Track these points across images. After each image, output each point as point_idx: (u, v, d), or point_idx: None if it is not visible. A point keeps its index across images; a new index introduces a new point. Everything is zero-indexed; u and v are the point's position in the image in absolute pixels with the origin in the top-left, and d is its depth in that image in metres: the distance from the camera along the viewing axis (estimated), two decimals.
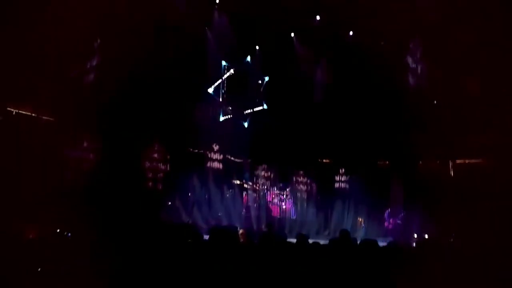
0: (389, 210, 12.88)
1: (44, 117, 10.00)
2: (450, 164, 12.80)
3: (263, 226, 11.81)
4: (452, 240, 7.09)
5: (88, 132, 10.66)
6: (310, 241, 5.07)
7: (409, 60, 13.14)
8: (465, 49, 10.82)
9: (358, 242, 4.93)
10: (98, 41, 10.50)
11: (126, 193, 9.99)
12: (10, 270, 3.55)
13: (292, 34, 14.03)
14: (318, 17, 13.41)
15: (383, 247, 4.74)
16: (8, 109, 9.41)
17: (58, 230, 5.80)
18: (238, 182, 13.29)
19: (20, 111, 9.67)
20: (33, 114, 9.84)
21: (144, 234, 4.07)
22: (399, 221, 12.56)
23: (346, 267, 3.94)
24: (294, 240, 5.05)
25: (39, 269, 3.76)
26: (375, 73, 12.64)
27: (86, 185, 9.85)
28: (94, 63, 10.48)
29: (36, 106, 9.73)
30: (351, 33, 13.76)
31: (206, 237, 3.95)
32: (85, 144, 10.62)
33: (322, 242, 5.03)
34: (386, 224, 12.81)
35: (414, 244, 5.46)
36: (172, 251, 3.48)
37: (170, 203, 11.67)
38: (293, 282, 3.47)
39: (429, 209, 11.16)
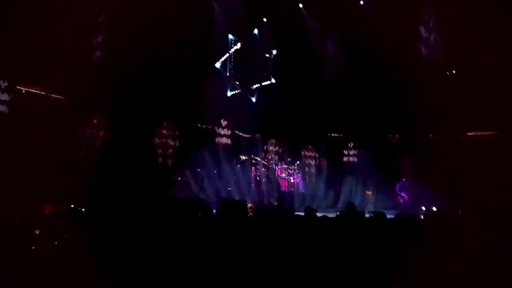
0: (400, 183, 12.81)
1: (53, 95, 10.07)
2: (462, 137, 12.65)
3: (271, 200, 11.95)
4: (460, 212, 7.11)
5: (98, 110, 10.74)
6: (319, 214, 5.13)
7: (421, 31, 12.77)
8: (480, 16, 10.49)
9: (367, 215, 4.98)
10: (106, 19, 10.41)
11: (137, 169, 10.14)
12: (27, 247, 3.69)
13: (301, 5, 13.68)
14: None
15: (391, 219, 4.79)
16: (18, 87, 9.49)
17: (72, 206, 5.96)
18: (246, 157, 13.36)
19: (30, 90, 9.76)
20: (43, 92, 9.92)
21: (155, 208, 4.16)
22: (408, 195, 12.54)
23: (355, 239, 4.00)
24: (302, 214, 5.12)
25: (56, 243, 3.90)
26: (385, 45, 12.33)
27: (97, 162, 10.02)
28: (103, 41, 10.43)
29: (46, 85, 9.80)
30: (361, 2, 13.38)
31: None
32: (95, 122, 10.72)
33: (330, 215, 5.09)
34: (398, 198, 12.78)
35: (422, 217, 5.50)
36: (183, 225, 3.55)
37: (180, 178, 11.84)
38: (302, 254, 3.54)
39: (438, 181, 11.14)
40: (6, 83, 9.12)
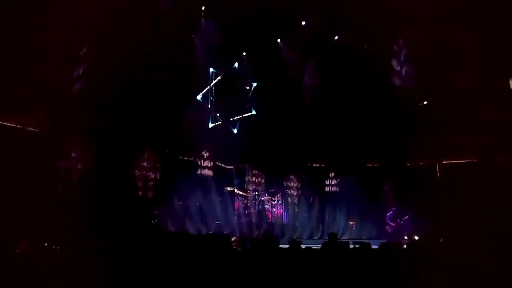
0: (391, 212, 12.69)
1: (30, 129, 9.87)
2: (437, 164, 12.99)
3: (259, 232, 11.78)
4: (441, 240, 7.18)
5: (78, 142, 10.53)
6: (303, 246, 5.08)
7: (396, 62, 13.34)
8: (451, 49, 11.04)
9: (351, 246, 4.97)
10: (87, 50, 10.44)
11: (118, 201, 9.89)
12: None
13: (279, 40, 14.13)
14: (303, 23, 13.59)
15: (375, 249, 4.79)
16: None
17: (46, 244, 5.70)
18: (229, 188, 13.25)
19: (4, 123, 9.54)
20: (18, 126, 9.71)
21: (136, 241, 4.05)
22: (397, 224, 12.44)
23: (340, 270, 3.97)
24: (286, 246, 5.06)
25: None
26: (363, 76, 12.82)
27: (77, 195, 9.73)
28: (83, 72, 10.40)
29: (22, 118, 9.61)
30: (336, 38, 13.95)
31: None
32: (75, 154, 10.48)
33: (314, 246, 5.05)
34: (387, 227, 12.63)
35: (405, 246, 5.52)
36: (168, 259, 3.46)
37: (160, 211, 11.59)
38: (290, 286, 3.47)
39: (419, 209, 11.28)
40: None
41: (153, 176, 11.93)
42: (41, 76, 9.20)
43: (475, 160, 12.10)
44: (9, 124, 9.65)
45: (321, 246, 4.95)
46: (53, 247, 5.46)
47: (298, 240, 5.50)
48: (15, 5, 8.34)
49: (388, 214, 12.61)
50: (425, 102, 12.91)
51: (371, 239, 10.89)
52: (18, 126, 9.77)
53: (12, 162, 8.40)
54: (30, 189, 8.24)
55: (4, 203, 7.48)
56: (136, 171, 11.75)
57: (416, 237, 9.83)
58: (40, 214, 7.45)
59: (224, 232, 10.41)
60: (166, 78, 11.57)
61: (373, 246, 4.69)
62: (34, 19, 8.67)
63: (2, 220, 6.47)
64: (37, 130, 10.01)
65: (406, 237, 10.92)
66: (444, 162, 13.10)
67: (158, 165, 12.03)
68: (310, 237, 12.66)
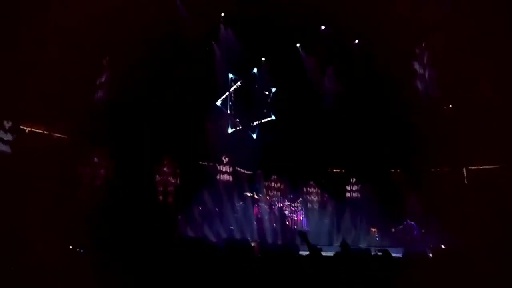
0: (404, 224, 12.26)
1: (56, 135, 10.15)
2: (464, 171, 12.58)
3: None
4: (468, 249, 6.91)
5: (100, 148, 10.77)
6: (323, 253, 4.98)
7: (418, 66, 13.07)
8: (476, 51, 10.73)
9: (373, 253, 4.84)
10: (108, 58, 10.70)
11: (138, 207, 10.03)
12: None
13: (298, 45, 14.10)
14: (323, 27, 13.53)
15: (399, 258, 4.65)
16: (22, 127, 9.58)
17: (70, 247, 5.83)
18: (248, 194, 13.23)
19: (33, 129, 9.85)
20: (45, 132, 10.01)
21: (157, 248, 4.07)
22: (412, 235, 12.05)
23: (361, 278, 3.88)
24: (306, 252, 4.98)
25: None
26: (385, 80, 12.60)
27: (99, 201, 9.93)
28: (105, 80, 10.66)
29: (48, 124, 9.90)
30: (356, 41, 13.81)
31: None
32: (97, 160, 10.72)
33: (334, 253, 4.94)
34: (415, 234, 12.22)
35: (431, 255, 5.34)
36: (186, 266, 3.46)
37: (180, 216, 11.67)
38: None
39: (444, 217, 10.94)
40: (10, 123, 9.21)
41: (173, 181, 12.05)
42: (66, 84, 9.47)
43: (501, 166, 11.66)
44: (37, 130, 9.96)
45: (334, 255, 4.82)
46: (77, 249, 5.57)
47: (318, 247, 5.40)
48: (42, 20, 8.63)
49: (411, 223, 12.19)
50: (450, 106, 12.59)
51: (393, 247, 10.60)
52: (45, 132, 10.07)
53: (39, 166, 8.66)
54: (54, 193, 8.46)
55: (27, 206, 7.70)
56: (157, 176, 11.90)
57: (443, 246, 9.51)
58: (62, 218, 7.63)
59: (241, 238, 10.35)
60: (186, 84, 11.72)
61: (396, 255, 4.56)
62: (60, 32, 8.95)
63: (25, 222, 6.65)
64: (63, 136, 10.29)
65: (431, 245, 10.57)
66: (471, 168, 12.68)
67: (178, 171, 12.16)
68: (330, 243, 12.44)
